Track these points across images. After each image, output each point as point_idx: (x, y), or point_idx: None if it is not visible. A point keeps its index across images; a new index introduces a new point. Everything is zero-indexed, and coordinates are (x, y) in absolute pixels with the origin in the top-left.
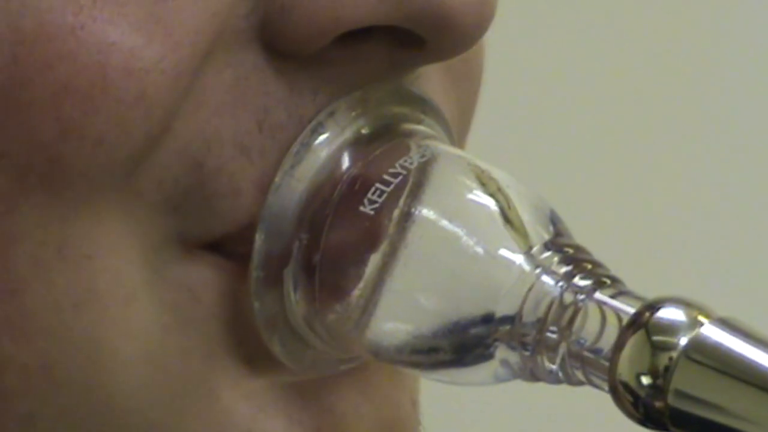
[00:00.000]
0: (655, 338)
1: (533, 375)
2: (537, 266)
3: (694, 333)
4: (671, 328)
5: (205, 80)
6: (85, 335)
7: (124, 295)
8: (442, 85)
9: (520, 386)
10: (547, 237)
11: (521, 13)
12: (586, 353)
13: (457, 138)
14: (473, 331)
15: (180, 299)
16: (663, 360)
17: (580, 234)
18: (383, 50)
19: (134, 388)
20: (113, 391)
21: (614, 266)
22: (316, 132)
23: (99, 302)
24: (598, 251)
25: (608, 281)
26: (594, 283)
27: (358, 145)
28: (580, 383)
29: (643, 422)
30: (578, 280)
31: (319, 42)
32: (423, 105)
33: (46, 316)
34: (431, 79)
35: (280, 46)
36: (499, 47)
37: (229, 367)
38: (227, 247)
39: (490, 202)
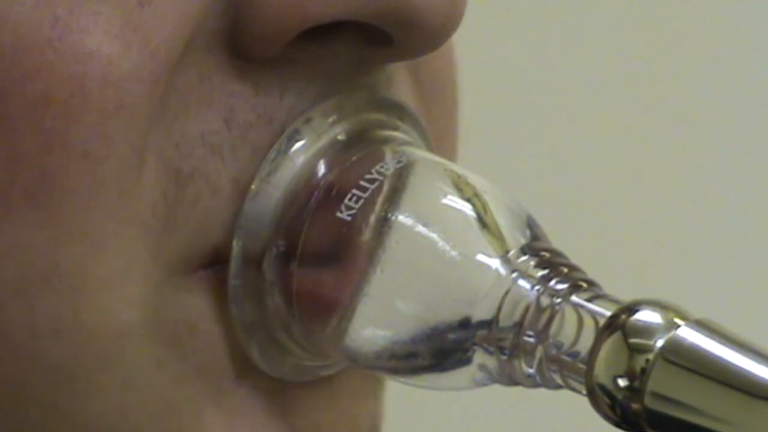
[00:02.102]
0: (632, 340)
1: (511, 379)
2: (513, 270)
3: (670, 335)
4: (647, 331)
5: (173, 83)
6: (60, 362)
7: (112, 333)
8: (413, 93)
9: (499, 390)
10: (523, 241)
11: (518, 15)
12: (563, 356)
13: (449, 147)
14: (451, 336)
15: (178, 335)
16: (639, 362)
17: (557, 238)
18: (350, 48)
19: (108, 413)
20: (86, 415)
21: (591, 270)
22: (292, 139)
23: (83, 336)
24: (574, 255)
25: (584, 284)
26: (570, 287)
27: (335, 151)
28: (557, 387)
29: (620, 424)
30: (555, 284)
31: (285, 38)
32: (399, 111)
33: (21, 339)
34: (402, 83)
35: (247, 47)
36: (492, 50)
37: (217, 386)
38: (222, 257)
39: (467, 207)
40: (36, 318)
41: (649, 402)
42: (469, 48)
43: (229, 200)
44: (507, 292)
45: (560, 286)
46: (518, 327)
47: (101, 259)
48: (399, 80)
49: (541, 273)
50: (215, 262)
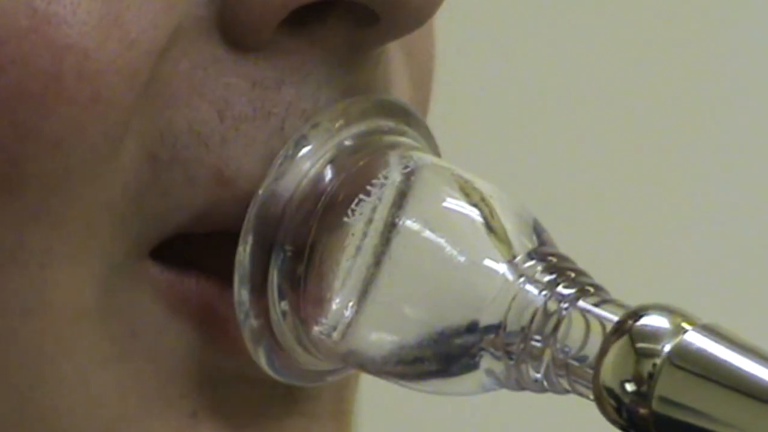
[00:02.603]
0: (639, 345)
1: (518, 384)
2: (521, 275)
3: (677, 339)
4: (655, 335)
5: (161, 72)
6: (30, 343)
7: (72, 313)
8: (401, 68)
9: (506, 395)
10: (530, 246)
11: (517, 13)
12: (570, 361)
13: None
14: (458, 341)
15: (120, 331)
16: (647, 366)
17: (564, 242)
18: (340, 31)
19: (70, 412)
20: (49, 407)
21: (598, 274)
22: (299, 144)
23: (48, 314)
24: (582, 259)
25: (592, 289)
26: (577, 292)
27: (342, 156)
28: (565, 391)
29: (627, 429)
30: (562, 289)
31: (273, 18)
32: (406, 116)
33: None
34: (391, 63)
35: (238, 34)
36: (493, 48)
37: (168, 416)
38: (182, 249)
39: (474, 212)
40: (6, 295)
41: (656, 406)
42: (472, 48)
43: (206, 189)
44: (514, 297)
45: (567, 291)
46: (525, 332)
47: (63, 236)
48: (389, 59)
49: (548, 278)
50: (170, 246)
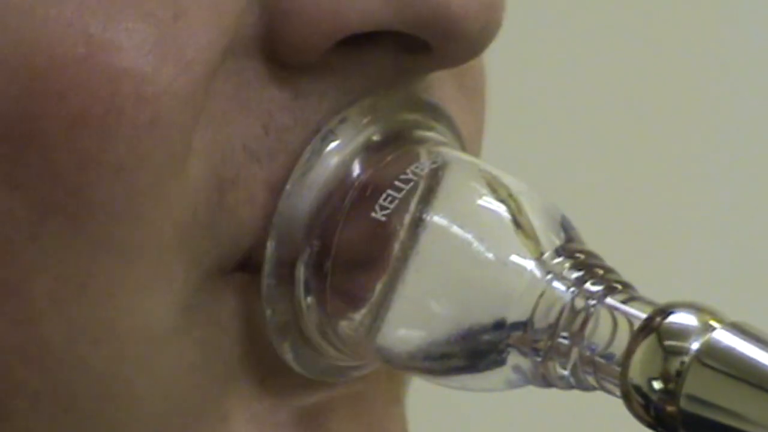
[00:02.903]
0: (667, 343)
1: (545, 381)
2: (548, 272)
3: (705, 337)
4: (683, 333)
5: (213, 91)
6: (101, 369)
7: (148, 338)
8: (453, 95)
9: (531, 392)
10: (558, 243)
11: (524, 14)
12: (597, 358)
13: (472, 149)
14: (485, 337)
15: (208, 336)
16: (675, 364)
17: (592, 239)
18: (389, 56)
19: (145, 419)
20: (123, 421)
21: (626, 271)
22: (327, 139)
23: (119, 341)
24: (609, 256)
25: (619, 286)
26: (605, 289)
27: (369, 151)
28: (592, 388)
29: (654, 426)
30: (589, 286)
31: (321, 46)
32: (434, 112)
33: (61, 348)
34: (443, 90)
35: (283, 54)
36: (504, 50)
37: (244, 390)
38: (252, 261)
39: (501, 208)
40: (74, 326)
41: (684, 404)
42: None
43: (263, 206)
44: (542, 294)
45: (595, 288)
46: (553, 329)
47: (135, 266)
48: (440, 84)
49: (575, 275)
50: (246, 266)
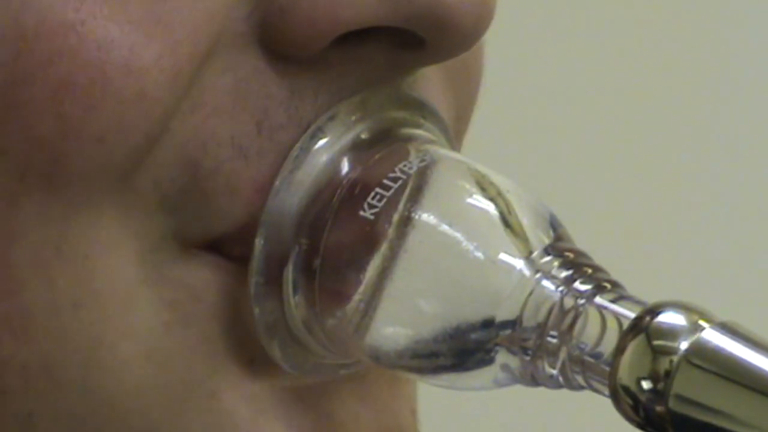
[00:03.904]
0: (656, 342)
1: (534, 380)
2: (537, 271)
3: (694, 337)
4: (672, 333)
5: (204, 82)
6: (84, 335)
7: (122, 294)
8: (441, 86)
9: (520, 391)
10: (547, 241)
11: (522, 13)
12: (586, 358)
13: (454, 138)
14: (474, 335)
15: (180, 297)
16: (664, 364)
17: (581, 238)
18: (383, 51)
19: (134, 389)
20: (113, 392)
21: (615, 270)
22: (315, 136)
23: (97, 301)
24: (598, 255)
25: (609, 286)
26: (594, 288)
27: (358, 149)
28: (580, 388)
29: (643, 426)
30: (578, 285)
31: (319, 43)
32: (422, 109)
33: (45, 316)
34: (430, 81)
35: (280, 48)
36: (500, 48)
37: (231, 368)
38: (226, 248)
39: (490, 207)
40: (56, 292)
41: (673, 405)
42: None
43: (248, 201)
44: (531, 293)
45: (584, 287)
46: (542, 328)
47: (104, 228)
48: (428, 78)
49: (564, 274)
50: (219, 252)
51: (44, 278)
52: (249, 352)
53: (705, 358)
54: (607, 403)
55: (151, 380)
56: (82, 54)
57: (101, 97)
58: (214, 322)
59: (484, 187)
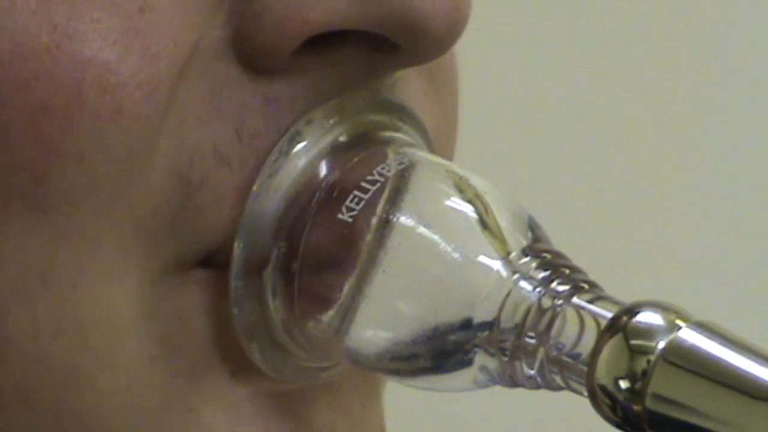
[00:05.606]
0: (633, 342)
1: (512, 380)
2: (515, 272)
3: (671, 337)
4: (649, 332)
5: (182, 92)
6: (63, 362)
7: (110, 328)
8: (421, 87)
9: (501, 392)
10: (525, 243)
11: (516, 14)
12: (564, 358)
13: (445, 142)
14: (452, 337)
15: (169, 330)
16: (641, 363)
17: (559, 239)
18: (358, 56)
19: (111, 414)
20: (89, 417)
21: (593, 271)
22: (293, 140)
23: (80, 331)
24: (577, 257)
25: (586, 286)
26: (572, 288)
27: (336, 153)
28: (559, 388)
29: (621, 426)
30: (556, 285)
31: (289, 45)
32: (400, 112)
33: (23, 341)
34: (410, 83)
35: (253, 56)
36: (488, 49)
37: (212, 384)
38: (216, 259)
39: (468, 209)
40: (37, 318)
41: (650, 404)
42: (468, 48)
43: (232, 209)
44: (508, 294)
45: (562, 288)
46: (519, 328)
47: (96, 255)
48: (407, 81)
49: (542, 274)
50: (210, 263)
51: (25, 305)
52: (232, 365)
53: (682, 357)
54: (585, 404)
55: (129, 406)
56: (57, 76)
57: (78, 116)
58: (201, 343)
59: (462, 189)
